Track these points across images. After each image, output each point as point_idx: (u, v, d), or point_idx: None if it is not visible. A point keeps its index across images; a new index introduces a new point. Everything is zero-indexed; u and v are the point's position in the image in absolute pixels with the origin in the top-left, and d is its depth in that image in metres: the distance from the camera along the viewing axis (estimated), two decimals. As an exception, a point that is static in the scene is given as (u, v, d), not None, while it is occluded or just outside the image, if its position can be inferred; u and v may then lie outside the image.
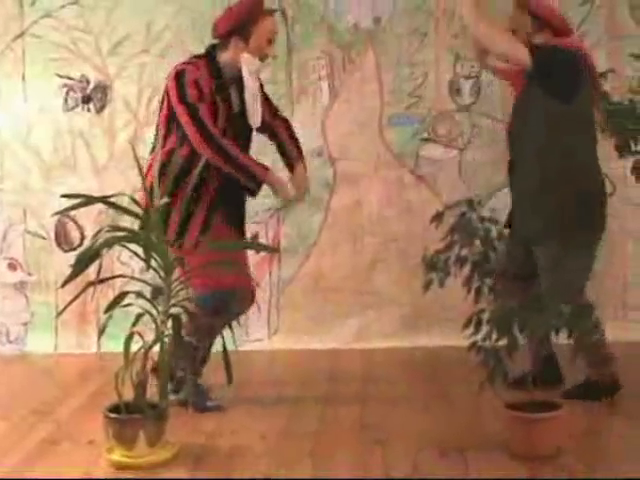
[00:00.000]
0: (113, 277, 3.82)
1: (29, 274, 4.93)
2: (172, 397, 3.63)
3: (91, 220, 4.81)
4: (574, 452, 3.25)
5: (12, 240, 4.92)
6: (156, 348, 3.28)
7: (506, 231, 3.66)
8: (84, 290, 3.32)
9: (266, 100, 3.90)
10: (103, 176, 4.87)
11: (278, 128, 3.94)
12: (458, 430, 3.51)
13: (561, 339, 3.44)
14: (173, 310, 3.35)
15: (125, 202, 3.51)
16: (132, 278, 3.72)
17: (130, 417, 3.21)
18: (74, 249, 4.81)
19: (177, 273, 3.41)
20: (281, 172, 3.93)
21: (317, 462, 3.23)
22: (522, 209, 3.80)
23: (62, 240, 4.90)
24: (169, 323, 3.30)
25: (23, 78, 4.87)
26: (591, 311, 3.57)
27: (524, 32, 3.78)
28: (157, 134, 3.70)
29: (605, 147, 3.84)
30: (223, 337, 3.49)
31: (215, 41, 3.76)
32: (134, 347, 3.25)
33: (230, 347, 3.48)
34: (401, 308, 4.82)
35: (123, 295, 3.32)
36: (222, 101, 3.66)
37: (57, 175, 4.88)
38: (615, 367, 3.78)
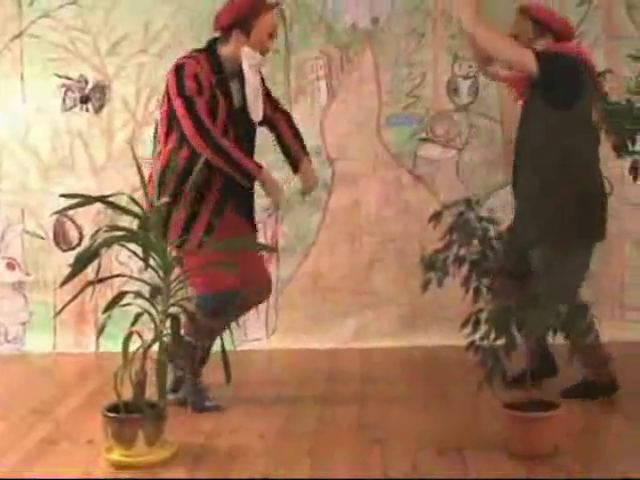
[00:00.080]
0: (112, 277, 3.82)
1: (27, 274, 4.94)
2: (171, 397, 3.64)
3: (89, 220, 4.82)
4: (572, 451, 3.26)
5: (10, 240, 4.93)
6: (155, 347, 3.28)
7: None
8: (83, 290, 3.32)
9: (267, 93, 3.90)
10: (101, 176, 4.87)
11: (279, 121, 3.94)
12: (456, 429, 3.51)
13: (559, 339, 3.46)
14: (172, 310, 3.36)
15: (124, 202, 3.51)
16: (131, 277, 3.72)
17: (129, 417, 3.22)
18: (73, 249, 4.81)
19: (176, 273, 3.41)
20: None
21: (316, 461, 3.24)
22: (523, 214, 3.81)
23: (61, 240, 4.91)
24: (168, 323, 3.30)
25: (21, 78, 4.87)
26: (585, 312, 3.58)
27: (526, 37, 3.79)
28: (156, 132, 3.68)
29: (603, 147, 3.85)
30: (222, 337, 3.49)
31: (216, 35, 3.75)
32: (133, 347, 3.25)
33: (229, 347, 3.48)
34: (399, 308, 4.83)
35: (122, 295, 3.32)
36: (222, 96, 3.65)
37: (55, 175, 4.89)
38: (612, 367, 3.79)
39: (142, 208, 3.40)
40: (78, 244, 4.85)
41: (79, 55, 4.84)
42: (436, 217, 3.28)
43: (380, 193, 4.88)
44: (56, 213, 4.11)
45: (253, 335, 4.84)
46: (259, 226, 4.07)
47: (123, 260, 4.70)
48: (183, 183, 3.55)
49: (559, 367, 3.94)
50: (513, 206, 3.96)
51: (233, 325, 3.77)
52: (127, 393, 3.25)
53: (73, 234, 4.91)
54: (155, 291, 3.34)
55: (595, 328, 3.70)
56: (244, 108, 3.73)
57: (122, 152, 4.78)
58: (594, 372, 3.78)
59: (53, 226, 4.90)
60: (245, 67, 3.66)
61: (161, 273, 3.35)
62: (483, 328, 3.21)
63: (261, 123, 3.86)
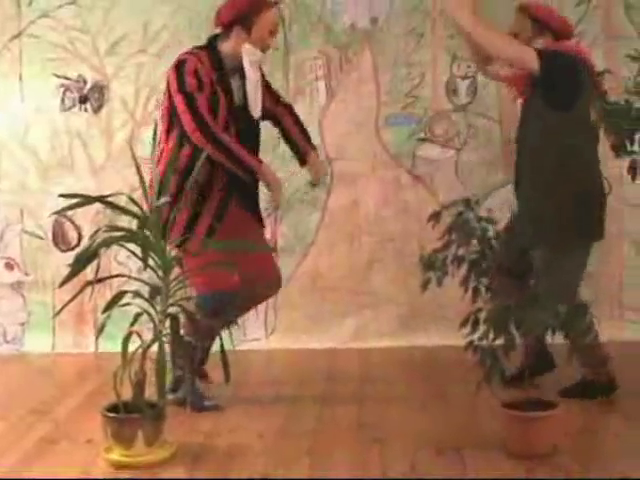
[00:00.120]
0: (112, 277, 3.83)
1: (26, 274, 4.93)
2: (170, 396, 3.64)
3: (88, 220, 4.82)
4: (571, 451, 3.26)
5: (9, 240, 4.92)
6: (154, 348, 3.29)
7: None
8: (82, 290, 3.32)
9: (268, 87, 3.90)
10: (100, 176, 4.87)
11: (283, 115, 3.94)
12: (455, 429, 3.52)
13: (558, 339, 3.46)
14: (171, 310, 3.36)
15: (123, 202, 3.50)
16: (130, 277, 3.72)
17: (128, 416, 3.22)
18: (72, 249, 4.81)
19: (175, 273, 3.42)
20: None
21: (315, 461, 3.24)
22: (523, 213, 3.82)
23: (60, 240, 4.91)
24: (167, 323, 3.30)
25: (20, 78, 4.87)
26: (585, 312, 3.59)
27: (525, 36, 3.79)
28: (155, 132, 3.66)
29: (601, 147, 3.86)
30: (221, 337, 3.50)
31: (216, 31, 3.75)
32: (132, 347, 3.25)
33: (228, 347, 3.49)
34: (398, 307, 4.83)
35: (121, 295, 3.33)
36: (223, 92, 3.65)
37: (54, 175, 4.89)
38: (611, 367, 3.80)
39: (141, 208, 3.39)
40: (77, 244, 4.85)
41: (78, 55, 4.84)
42: (435, 217, 3.29)
43: (379, 193, 4.88)
44: (55, 213, 4.11)
45: (252, 335, 4.84)
46: (258, 226, 4.07)
47: (122, 260, 4.71)
48: (185, 181, 3.55)
49: (557, 365, 3.94)
50: (512, 205, 3.97)
51: (232, 325, 3.77)
52: (126, 393, 3.26)
53: (72, 234, 4.91)
54: (154, 291, 3.34)
55: (595, 328, 3.71)
56: (245, 105, 3.73)
57: (121, 152, 4.79)
58: (593, 371, 3.79)
59: (52, 226, 4.90)
60: (246, 64, 3.66)
61: (160, 273, 3.35)
62: (482, 328, 3.22)
63: (264, 117, 3.86)
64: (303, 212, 4.83)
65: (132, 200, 3.43)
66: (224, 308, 3.70)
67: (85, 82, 4.86)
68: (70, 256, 4.20)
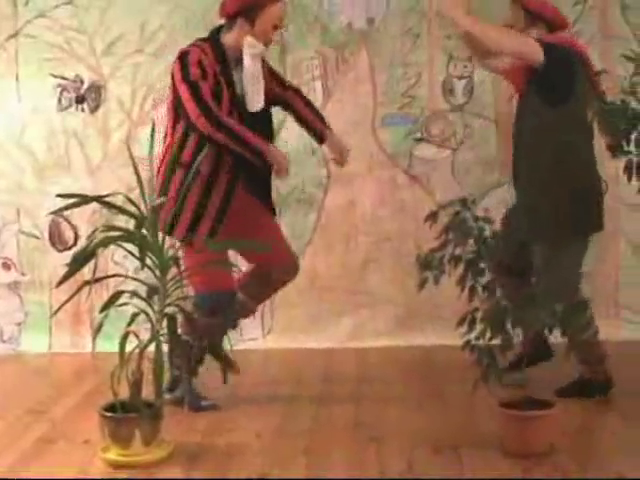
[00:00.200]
0: (109, 276, 3.83)
1: (23, 274, 4.93)
2: (167, 396, 3.64)
3: (85, 220, 4.82)
4: (567, 450, 3.27)
5: (6, 240, 4.92)
6: (151, 347, 3.29)
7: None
8: (79, 290, 3.33)
9: (274, 74, 3.89)
10: (97, 176, 4.87)
11: (293, 99, 3.93)
12: (452, 428, 3.52)
13: (558, 338, 3.47)
14: (168, 309, 3.36)
15: (119, 202, 3.51)
16: (127, 277, 3.73)
17: (126, 416, 3.22)
18: (68, 249, 4.81)
19: (173, 272, 3.42)
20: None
21: (312, 460, 3.25)
22: (520, 208, 3.83)
23: (56, 240, 4.90)
24: (164, 322, 3.31)
25: (17, 78, 4.86)
26: (585, 307, 3.61)
27: (519, 27, 3.80)
28: (153, 132, 3.64)
29: (597, 148, 3.87)
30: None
31: (219, 24, 3.75)
32: (129, 346, 3.25)
33: (225, 347, 3.49)
34: (395, 307, 4.84)
35: (118, 294, 3.33)
36: (226, 84, 3.65)
37: (51, 175, 4.88)
38: (608, 365, 3.81)
39: (139, 208, 3.40)
40: (74, 244, 4.85)
41: (75, 55, 4.84)
42: (432, 217, 3.30)
43: (376, 193, 4.88)
44: (52, 213, 4.12)
45: (249, 335, 4.84)
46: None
47: (118, 260, 4.71)
48: (193, 177, 3.56)
49: (554, 354, 3.94)
50: (509, 204, 3.99)
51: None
52: (124, 393, 3.26)
53: (69, 234, 4.90)
54: (152, 291, 3.35)
55: (594, 324, 3.73)
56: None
57: (118, 152, 4.79)
58: (590, 369, 3.79)
59: (49, 226, 4.89)
60: (245, 56, 3.65)
61: (158, 273, 3.35)
62: (479, 327, 3.23)
63: (274, 103, 3.86)
64: (300, 212, 4.83)
65: (129, 200, 3.43)
66: (222, 308, 3.70)
67: (82, 82, 4.86)
68: (67, 256, 4.22)
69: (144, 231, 3.33)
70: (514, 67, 3.82)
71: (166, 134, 3.73)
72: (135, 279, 3.55)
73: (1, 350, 4.89)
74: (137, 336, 3.29)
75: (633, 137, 3.43)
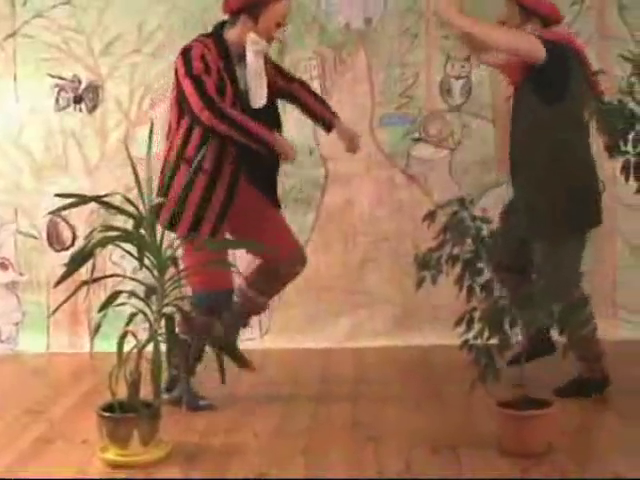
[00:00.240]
0: (107, 276, 3.83)
1: (20, 274, 4.93)
2: (165, 396, 3.65)
3: (83, 220, 4.82)
4: (565, 449, 3.27)
5: (3, 240, 4.92)
6: (149, 347, 3.29)
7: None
8: (78, 289, 3.33)
9: (278, 68, 3.90)
10: (95, 176, 4.87)
11: (298, 91, 3.93)
12: (450, 428, 3.53)
13: (555, 336, 3.48)
14: (167, 309, 3.36)
15: (117, 202, 3.51)
16: (125, 277, 3.73)
17: (124, 416, 3.22)
18: (66, 249, 4.81)
19: (171, 272, 3.42)
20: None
21: (310, 460, 3.25)
22: (519, 206, 3.85)
23: (54, 240, 4.90)
24: (162, 322, 3.31)
25: (14, 78, 4.86)
26: (585, 304, 3.63)
27: (514, 23, 3.80)
28: (151, 132, 3.64)
29: (595, 148, 3.88)
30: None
31: (223, 19, 3.75)
32: (127, 346, 3.25)
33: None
34: (393, 307, 4.84)
35: (117, 294, 3.34)
36: (229, 80, 3.65)
37: (49, 175, 4.88)
38: (605, 363, 3.82)
39: (137, 208, 3.40)
40: (71, 244, 4.85)
41: (72, 55, 4.84)
42: (430, 216, 3.30)
43: (373, 193, 4.89)
44: (51, 213, 4.12)
45: (246, 335, 4.83)
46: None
47: (116, 260, 4.71)
48: (194, 171, 3.57)
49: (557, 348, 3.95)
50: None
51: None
52: (122, 393, 3.26)
53: (66, 234, 4.90)
54: (150, 291, 3.35)
55: (594, 321, 3.74)
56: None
57: (115, 152, 4.79)
58: (589, 367, 3.80)
59: (46, 226, 4.89)
60: (248, 53, 3.65)
61: (156, 273, 3.36)
62: (476, 327, 3.23)
63: (280, 96, 3.87)
64: (298, 211, 4.82)
65: (128, 200, 3.43)
66: (219, 307, 3.71)
67: (80, 82, 4.86)
68: (64, 256, 4.22)
69: (142, 231, 3.34)
70: (511, 62, 3.82)
71: (170, 130, 3.73)
72: (133, 279, 3.56)
73: (-1, 350, 4.90)
74: (135, 336, 3.30)
75: (630, 137, 3.44)
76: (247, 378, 4.20)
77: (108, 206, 3.47)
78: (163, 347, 3.29)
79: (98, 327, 3.29)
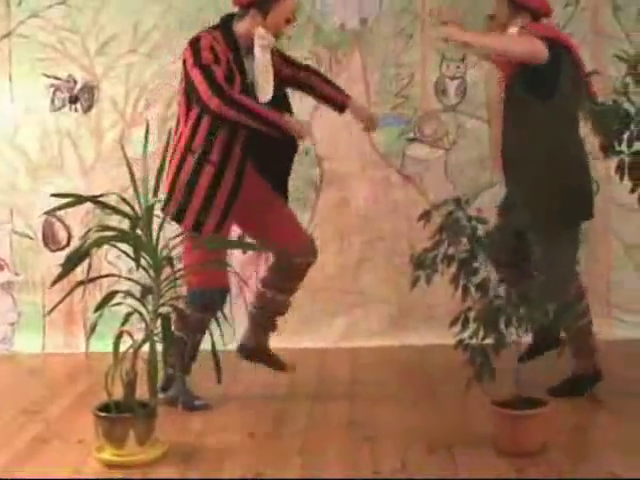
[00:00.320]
0: (103, 276, 3.83)
1: (16, 274, 4.93)
2: (161, 395, 3.65)
3: (78, 220, 4.81)
4: (560, 448, 3.29)
5: (-1, 240, 4.92)
6: (145, 347, 3.29)
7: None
8: (74, 289, 3.33)
9: (283, 57, 3.89)
10: (90, 176, 4.87)
11: (308, 77, 3.93)
12: (446, 427, 3.54)
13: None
14: (162, 309, 3.37)
15: (113, 202, 3.51)
16: (121, 277, 3.73)
17: (120, 416, 3.23)
18: (62, 249, 4.81)
19: (167, 272, 3.42)
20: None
21: (306, 460, 3.26)
22: (513, 201, 3.87)
23: (49, 240, 4.90)
24: (158, 322, 3.31)
25: (10, 78, 4.86)
26: (582, 297, 3.65)
27: (503, 17, 3.81)
28: (147, 132, 3.64)
29: (590, 148, 3.90)
30: (212, 336, 3.50)
31: (230, 11, 3.75)
32: (122, 346, 3.26)
33: (219, 346, 3.49)
34: (388, 307, 4.85)
35: (112, 294, 3.34)
36: (238, 71, 3.65)
37: (44, 175, 4.88)
38: (598, 358, 3.84)
39: (132, 208, 3.40)
40: (67, 244, 4.85)
41: (68, 55, 4.83)
42: (426, 216, 3.31)
43: (369, 192, 4.90)
44: (47, 213, 4.12)
45: (242, 335, 4.83)
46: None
47: (111, 260, 4.71)
48: (201, 162, 3.59)
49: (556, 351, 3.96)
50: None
51: (223, 323, 3.78)
52: (118, 393, 3.26)
53: (62, 234, 4.90)
54: (146, 291, 3.35)
55: (589, 314, 3.76)
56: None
57: (111, 152, 4.79)
58: (583, 363, 3.82)
59: (42, 226, 4.89)
60: (256, 48, 3.66)
61: (152, 273, 3.36)
62: (472, 326, 3.24)
63: (289, 85, 3.89)
64: (293, 211, 4.82)
65: (123, 200, 3.43)
66: (214, 304, 3.71)
67: (75, 82, 4.85)
68: (60, 256, 4.23)
69: (138, 231, 3.34)
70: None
71: (178, 121, 3.74)
72: (129, 279, 3.56)
73: (-6, 350, 4.90)
74: (131, 336, 3.30)
75: (625, 137, 3.46)
76: (243, 378, 4.22)
77: (104, 206, 3.47)
78: (159, 347, 3.30)
79: (94, 327, 3.29)
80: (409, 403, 3.85)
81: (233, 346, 4.62)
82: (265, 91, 3.69)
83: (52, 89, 4.86)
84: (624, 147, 3.48)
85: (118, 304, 3.35)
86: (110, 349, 3.23)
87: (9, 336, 4.91)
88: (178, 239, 3.61)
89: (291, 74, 3.88)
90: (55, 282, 3.29)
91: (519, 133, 3.78)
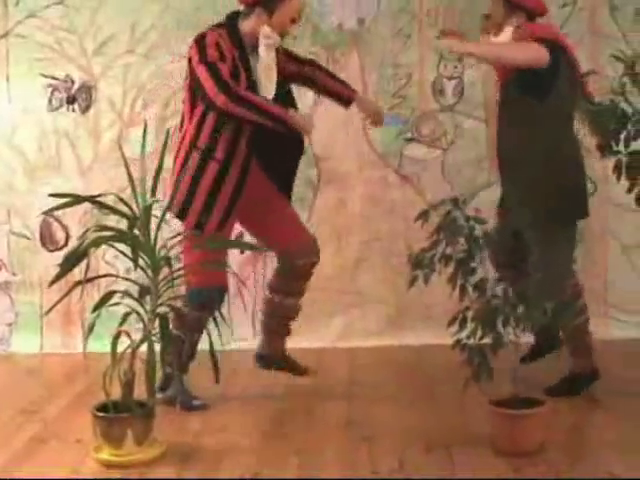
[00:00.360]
0: (101, 276, 3.83)
1: (14, 274, 4.93)
2: (159, 395, 3.65)
3: (76, 220, 4.81)
4: (557, 448, 3.29)
5: (-4, 240, 4.92)
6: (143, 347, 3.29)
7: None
8: (72, 289, 3.34)
9: (287, 53, 3.89)
10: (88, 176, 4.87)
11: (313, 72, 3.94)
12: (444, 427, 3.54)
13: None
14: (160, 309, 3.37)
15: (111, 202, 3.51)
16: (119, 277, 3.73)
17: (118, 416, 3.23)
18: (59, 249, 4.81)
19: (165, 272, 3.42)
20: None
21: (304, 460, 3.26)
22: (509, 201, 3.88)
23: (47, 240, 4.90)
24: (156, 322, 3.31)
25: (7, 78, 4.85)
26: (579, 295, 3.66)
27: (499, 17, 3.82)
28: (145, 132, 3.63)
29: (586, 147, 3.90)
30: (210, 336, 3.51)
31: (235, 10, 3.76)
32: (120, 346, 3.26)
33: (217, 346, 3.50)
34: (386, 307, 4.85)
35: (110, 294, 3.34)
36: (244, 69, 3.65)
37: (42, 175, 4.88)
38: (595, 357, 3.85)
39: (130, 208, 3.40)
40: (65, 244, 4.85)
41: (65, 55, 4.83)
42: (423, 216, 3.31)
43: (366, 192, 4.90)
44: (44, 213, 4.12)
45: (240, 335, 4.84)
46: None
47: (109, 260, 4.71)
48: (205, 159, 3.61)
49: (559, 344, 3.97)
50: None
51: (220, 323, 3.79)
52: (116, 393, 3.26)
53: (60, 234, 4.90)
54: (144, 291, 3.35)
55: (587, 311, 3.77)
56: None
57: (109, 152, 4.79)
58: (580, 362, 3.83)
59: (39, 226, 4.88)
60: (261, 46, 3.66)
61: (150, 273, 3.36)
62: (469, 326, 3.25)
63: (294, 81, 3.90)
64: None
65: (121, 200, 3.44)
66: (211, 303, 3.72)
67: (73, 82, 4.85)
68: (58, 256, 4.23)
69: (136, 231, 3.34)
70: None
71: (183, 119, 3.74)
72: (127, 279, 3.56)
73: (-8, 351, 4.89)
74: (129, 336, 3.30)
75: (622, 137, 3.46)
76: (241, 378, 4.22)
77: (102, 206, 3.47)
78: (157, 347, 3.30)
79: (92, 327, 3.30)
80: (407, 403, 3.86)
81: (231, 346, 4.66)
82: (267, 89, 3.69)
83: (50, 89, 4.86)
84: (621, 147, 3.48)
85: (116, 304, 3.35)
86: (108, 349, 3.23)
87: (7, 336, 4.91)
88: (176, 239, 3.61)
89: (296, 70, 3.88)
90: (53, 282, 3.29)
91: (515, 133, 3.79)
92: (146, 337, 3.30)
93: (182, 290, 3.74)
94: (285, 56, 3.85)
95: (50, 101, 4.87)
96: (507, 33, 3.80)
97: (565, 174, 3.76)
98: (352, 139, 4.87)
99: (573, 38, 4.61)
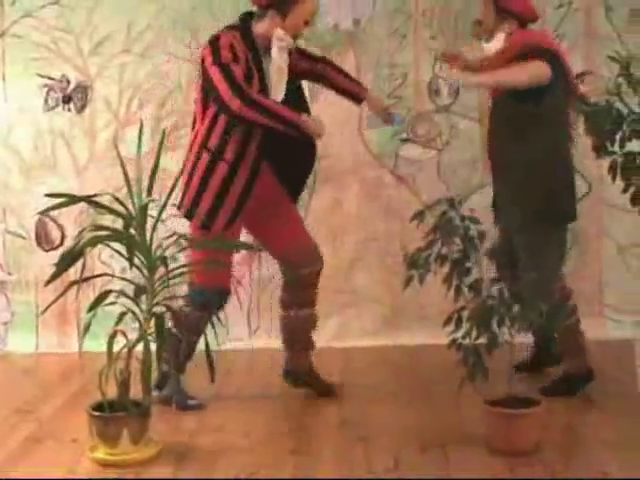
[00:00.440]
0: (97, 275, 3.83)
1: (9, 274, 4.92)
2: (155, 394, 3.65)
3: (72, 220, 4.81)
4: (552, 448, 3.30)
5: (-8, 240, 4.92)
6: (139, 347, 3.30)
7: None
8: (68, 289, 3.34)
9: (300, 51, 3.88)
10: (84, 176, 4.86)
11: (324, 70, 3.94)
12: (439, 426, 3.55)
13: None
14: (156, 309, 3.37)
15: (106, 202, 3.51)
16: (115, 277, 3.73)
17: (113, 415, 3.23)
18: (55, 249, 4.80)
19: (160, 272, 3.42)
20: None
21: (300, 459, 3.27)
22: (502, 204, 3.88)
23: (43, 240, 4.89)
24: (152, 321, 3.31)
25: (3, 78, 4.85)
26: (568, 297, 3.67)
27: (490, 23, 3.83)
28: (141, 132, 3.64)
29: (582, 148, 3.91)
30: (206, 336, 3.51)
31: (247, 10, 3.76)
32: (116, 346, 3.26)
33: (213, 346, 3.50)
34: (381, 307, 4.86)
35: (106, 294, 3.34)
36: (257, 71, 3.66)
37: (37, 175, 4.87)
38: (589, 358, 3.85)
39: (126, 208, 3.40)
40: (60, 244, 4.84)
41: (61, 55, 4.83)
42: (419, 216, 3.32)
43: (362, 192, 4.91)
44: (40, 213, 4.11)
45: (235, 334, 4.85)
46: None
47: (105, 260, 4.70)
48: (215, 161, 3.61)
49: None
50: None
51: (216, 323, 3.79)
52: (112, 392, 3.26)
53: (55, 234, 4.89)
54: (140, 290, 3.35)
55: (577, 312, 3.78)
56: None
57: (104, 152, 4.79)
58: (574, 363, 3.83)
59: (35, 226, 4.88)
60: (274, 49, 3.66)
61: (146, 272, 3.36)
62: (465, 326, 3.25)
63: (306, 78, 3.91)
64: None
65: (117, 200, 3.44)
66: (213, 304, 3.73)
67: (68, 82, 4.85)
68: (53, 256, 4.23)
69: (132, 231, 3.34)
70: (492, 64, 3.84)
71: (195, 119, 3.75)
72: (123, 279, 3.56)
73: (-12, 350, 4.89)
74: (125, 335, 3.30)
75: (617, 137, 3.48)
76: (236, 378, 4.22)
77: (97, 206, 3.47)
78: (153, 346, 3.30)
79: (87, 327, 3.30)
80: (402, 403, 3.86)
81: (227, 346, 4.66)
82: (278, 92, 3.70)
83: (45, 89, 4.86)
84: (617, 147, 3.49)
85: (112, 304, 3.35)
86: (104, 349, 3.23)
87: (2, 336, 4.90)
88: (171, 239, 3.61)
89: (308, 67, 3.89)
90: (49, 282, 3.29)
91: (506, 135, 3.80)
92: (142, 337, 3.30)
93: (178, 290, 3.75)
94: (298, 53, 3.85)
95: (46, 101, 4.87)
96: (499, 40, 3.81)
97: (554, 177, 3.78)
98: (348, 139, 4.87)
99: (568, 39, 4.66)
